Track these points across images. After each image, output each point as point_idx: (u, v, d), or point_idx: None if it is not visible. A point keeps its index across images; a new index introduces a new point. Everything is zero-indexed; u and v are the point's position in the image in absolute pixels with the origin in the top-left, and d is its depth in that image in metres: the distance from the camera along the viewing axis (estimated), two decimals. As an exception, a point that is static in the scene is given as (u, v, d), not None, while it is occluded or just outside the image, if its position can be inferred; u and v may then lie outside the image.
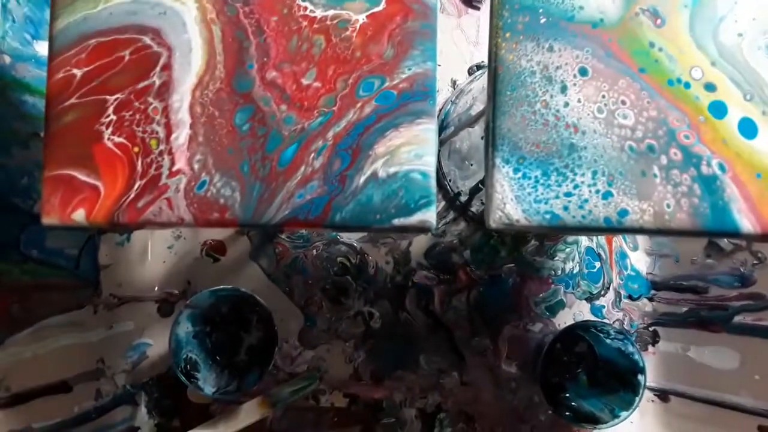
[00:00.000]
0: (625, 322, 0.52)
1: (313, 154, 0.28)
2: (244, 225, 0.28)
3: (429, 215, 0.28)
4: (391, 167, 0.28)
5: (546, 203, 0.28)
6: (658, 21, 0.29)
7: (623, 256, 0.52)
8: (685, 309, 0.49)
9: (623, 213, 0.28)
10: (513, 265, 0.52)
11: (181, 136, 0.28)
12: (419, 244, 0.52)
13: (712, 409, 0.46)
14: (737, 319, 0.44)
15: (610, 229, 0.28)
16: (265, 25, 0.29)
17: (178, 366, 0.44)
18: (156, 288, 0.51)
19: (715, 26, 0.29)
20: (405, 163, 0.28)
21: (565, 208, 0.28)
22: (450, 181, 0.52)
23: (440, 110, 0.53)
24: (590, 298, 0.52)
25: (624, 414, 0.43)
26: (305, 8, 0.29)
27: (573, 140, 0.28)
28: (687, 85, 0.28)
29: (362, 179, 0.28)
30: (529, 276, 0.52)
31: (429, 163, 0.29)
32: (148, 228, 0.31)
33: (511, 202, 0.28)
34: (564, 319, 0.52)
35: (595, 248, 0.52)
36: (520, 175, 0.28)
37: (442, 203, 0.52)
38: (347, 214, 0.28)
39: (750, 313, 0.43)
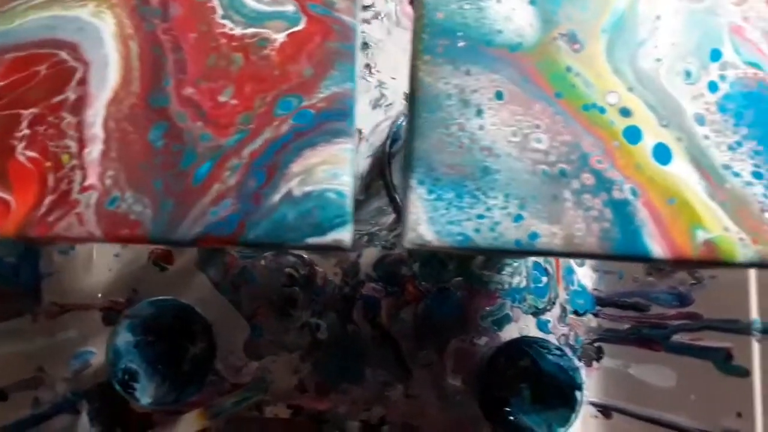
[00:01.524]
0: (571, 338, 0.52)
1: (228, 172, 0.28)
2: (155, 241, 0.28)
3: (344, 235, 0.28)
4: (306, 186, 0.28)
5: (458, 225, 0.28)
6: (576, 46, 0.29)
7: (570, 271, 0.52)
8: (627, 326, 0.49)
9: (534, 236, 0.28)
10: (461, 278, 0.52)
11: (94, 152, 0.28)
12: (368, 256, 0.52)
13: (652, 427, 0.46)
14: (675, 338, 0.44)
15: (521, 251, 0.29)
16: (183, 42, 0.29)
17: (115, 376, 0.44)
18: (100, 295, 0.51)
19: (633, 51, 0.29)
20: (321, 183, 0.28)
21: (477, 230, 0.28)
22: (399, 193, 0.52)
23: (393, 123, 0.53)
24: (536, 313, 0.52)
25: (560, 431, 0.44)
26: (224, 26, 0.29)
27: (487, 163, 0.29)
28: (602, 110, 0.29)
29: (277, 197, 0.28)
30: (477, 290, 0.52)
31: (345, 183, 0.29)
32: (59, 243, 0.31)
33: (424, 223, 0.28)
34: (510, 334, 0.52)
35: (542, 263, 0.52)
36: (434, 196, 0.29)
37: (392, 216, 0.52)
38: (261, 231, 0.28)
39: (687, 332, 0.43)
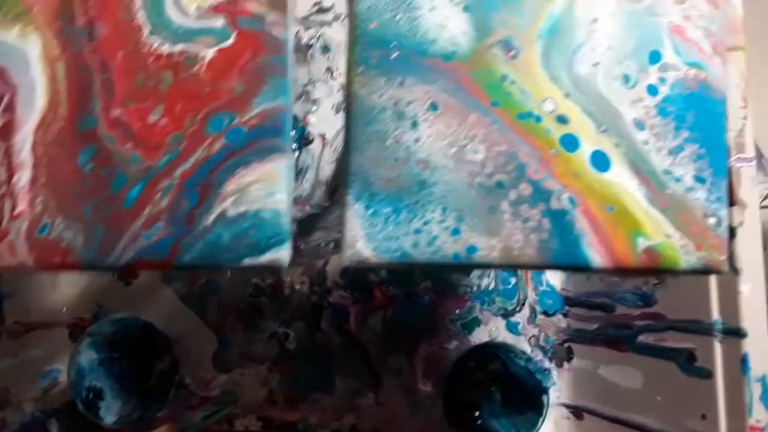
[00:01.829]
0: (541, 338, 0.52)
1: (159, 194, 0.28)
2: (87, 268, 0.28)
3: (281, 254, 0.28)
4: (241, 206, 0.28)
5: (396, 240, 0.28)
6: (512, 53, 0.28)
7: (538, 271, 0.52)
8: (595, 326, 0.49)
9: (472, 249, 0.28)
10: (429, 282, 0.52)
11: (23, 178, 0.28)
12: (335, 263, 0.52)
13: (621, 428, 0.46)
14: (641, 338, 0.44)
15: (460, 265, 0.28)
16: (110, 62, 0.28)
17: (78, 395, 0.43)
18: (64, 310, 0.51)
19: (569, 57, 0.29)
20: (255, 202, 0.28)
21: (415, 245, 0.28)
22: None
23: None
24: (506, 315, 0.52)
25: (528, 435, 0.43)
26: (152, 44, 0.28)
27: (423, 176, 0.28)
28: (538, 119, 0.28)
29: (211, 218, 0.28)
30: (445, 293, 0.52)
31: (281, 201, 0.28)
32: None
33: (362, 239, 0.28)
34: (480, 336, 0.52)
35: (510, 265, 0.52)
36: (371, 212, 0.28)
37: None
38: (196, 254, 0.28)
39: (651, 333, 0.43)
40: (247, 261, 0.28)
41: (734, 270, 0.37)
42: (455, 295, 0.52)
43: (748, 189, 0.37)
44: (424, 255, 0.28)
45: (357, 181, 0.28)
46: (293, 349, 0.51)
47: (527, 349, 0.52)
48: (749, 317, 0.37)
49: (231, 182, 0.28)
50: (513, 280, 0.52)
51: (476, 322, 0.52)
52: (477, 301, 0.52)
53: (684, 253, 0.28)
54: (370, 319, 0.52)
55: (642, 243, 0.28)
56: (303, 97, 0.53)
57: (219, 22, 0.28)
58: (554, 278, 0.52)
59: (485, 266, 0.28)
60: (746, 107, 0.38)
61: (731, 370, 0.37)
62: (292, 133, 0.52)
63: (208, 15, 0.28)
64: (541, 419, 0.44)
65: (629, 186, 0.28)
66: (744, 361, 0.37)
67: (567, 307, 0.52)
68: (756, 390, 0.36)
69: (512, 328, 0.52)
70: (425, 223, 0.28)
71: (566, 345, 0.51)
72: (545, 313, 0.52)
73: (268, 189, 0.28)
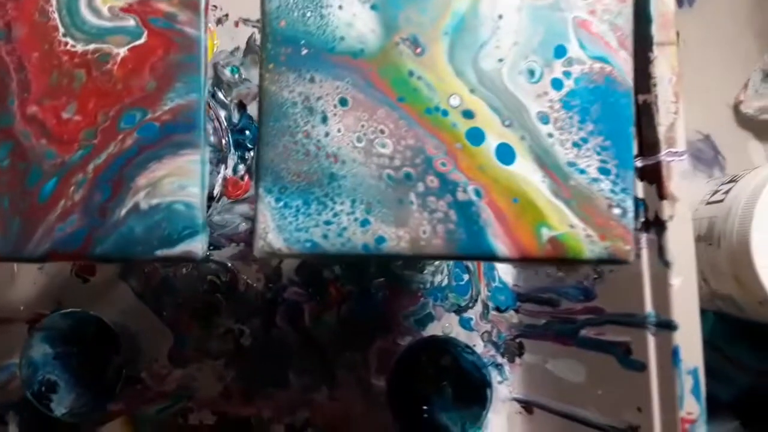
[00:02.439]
0: (494, 334, 0.52)
1: (73, 187, 0.29)
2: (5, 259, 0.28)
3: (194, 246, 0.29)
4: (153, 199, 0.29)
5: (306, 232, 0.29)
6: (419, 50, 0.29)
7: (491, 267, 0.52)
8: (543, 321, 0.49)
9: (380, 240, 0.29)
10: (383, 279, 0.52)
11: (-58, 173, 0.28)
12: (291, 260, 0.53)
13: (567, 422, 0.46)
14: (583, 332, 0.44)
15: (369, 255, 0.29)
16: (26, 62, 0.29)
17: (30, 388, 0.44)
18: (22, 308, 0.51)
19: (475, 52, 0.29)
20: (168, 195, 0.29)
21: (325, 236, 0.29)
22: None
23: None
24: (459, 311, 0.52)
25: (472, 430, 0.44)
26: (66, 43, 0.29)
27: (333, 170, 0.29)
28: (445, 113, 0.29)
29: (123, 211, 0.29)
30: (399, 290, 0.52)
31: (193, 194, 0.29)
32: None
33: (273, 231, 0.29)
34: (433, 332, 0.52)
35: (463, 261, 0.52)
36: (281, 204, 0.29)
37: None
38: (109, 246, 0.29)
39: (592, 327, 0.44)
40: (160, 253, 0.29)
41: (665, 263, 0.38)
42: (409, 291, 0.52)
43: (679, 183, 0.38)
44: (334, 246, 0.29)
45: (268, 175, 0.29)
46: (248, 345, 0.52)
47: (480, 344, 0.52)
48: (680, 310, 0.37)
49: (143, 176, 0.29)
50: (466, 277, 0.53)
51: (429, 318, 0.52)
52: (430, 298, 0.52)
53: (588, 243, 0.29)
54: (324, 316, 0.52)
55: (546, 233, 0.28)
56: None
57: (131, 22, 0.29)
58: (507, 274, 0.53)
59: (393, 257, 0.29)
60: (678, 102, 0.38)
61: (664, 363, 0.38)
62: (247, 132, 0.52)
63: (121, 15, 0.29)
64: (485, 412, 0.44)
65: (534, 178, 0.29)
66: (675, 353, 0.37)
67: (518, 303, 0.52)
68: (687, 382, 0.37)
69: (465, 323, 0.52)
70: (335, 215, 0.29)
71: (518, 340, 0.52)
72: (497, 308, 0.52)
73: (180, 183, 0.29)
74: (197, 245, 0.29)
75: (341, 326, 0.52)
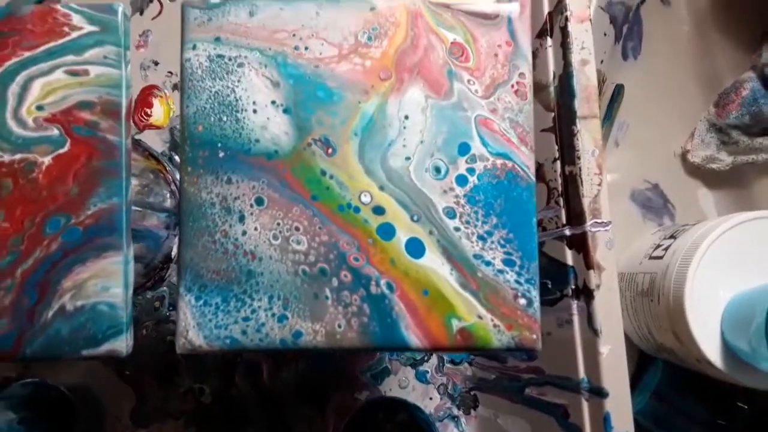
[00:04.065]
0: (449, 386, 0.53)
1: (2, 292, 0.30)
2: (-64, 363, 0.30)
3: (118, 344, 0.30)
4: (78, 301, 0.30)
5: (226, 329, 0.30)
6: (330, 150, 0.30)
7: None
8: (493, 376, 0.50)
9: (298, 334, 0.30)
10: (339, 335, 0.53)
11: None
12: (249, 318, 0.54)
13: (517, 475, 0.47)
14: (527, 391, 0.45)
15: (287, 349, 0.30)
16: (-44, 172, 0.30)
17: (-9, 458, 0.45)
18: (-13, 374, 0.53)
19: (383, 152, 0.30)
20: (92, 296, 0.30)
21: (244, 333, 0.30)
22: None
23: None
24: (414, 364, 0.53)
25: (422, 487, 0.45)
26: (-6, 154, 0.30)
27: (251, 267, 0.30)
28: (356, 210, 0.30)
29: (50, 314, 0.30)
30: (355, 346, 0.53)
31: (116, 295, 0.30)
32: None
33: (193, 329, 0.30)
34: (390, 386, 0.53)
35: (417, 316, 0.53)
36: (201, 302, 0.30)
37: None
38: (37, 347, 0.30)
39: (535, 386, 0.44)
40: (86, 352, 0.30)
41: (594, 331, 0.39)
42: (365, 346, 0.53)
43: (605, 252, 0.39)
44: (252, 342, 0.30)
45: (188, 274, 0.30)
46: (208, 403, 0.53)
47: (437, 396, 0.53)
48: (609, 377, 0.38)
49: (68, 279, 0.30)
50: (420, 330, 0.53)
51: (386, 372, 0.53)
52: (386, 352, 0.53)
53: (496, 333, 0.30)
54: (282, 372, 0.53)
55: (456, 324, 0.30)
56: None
57: (55, 131, 0.30)
58: (460, 327, 0.54)
59: (310, 351, 0.30)
60: (601, 173, 0.40)
61: (597, 428, 0.39)
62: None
63: (45, 125, 0.30)
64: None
65: (442, 271, 0.30)
66: (606, 419, 0.38)
67: (471, 356, 0.53)
68: (619, 448, 0.38)
69: (421, 377, 0.53)
70: (253, 312, 0.30)
71: (472, 393, 0.53)
72: (452, 361, 0.53)
73: (104, 284, 0.30)
74: (121, 344, 0.30)
75: (299, 382, 0.53)
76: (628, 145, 0.56)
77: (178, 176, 0.54)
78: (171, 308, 0.53)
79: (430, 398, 0.53)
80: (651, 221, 0.56)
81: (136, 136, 0.56)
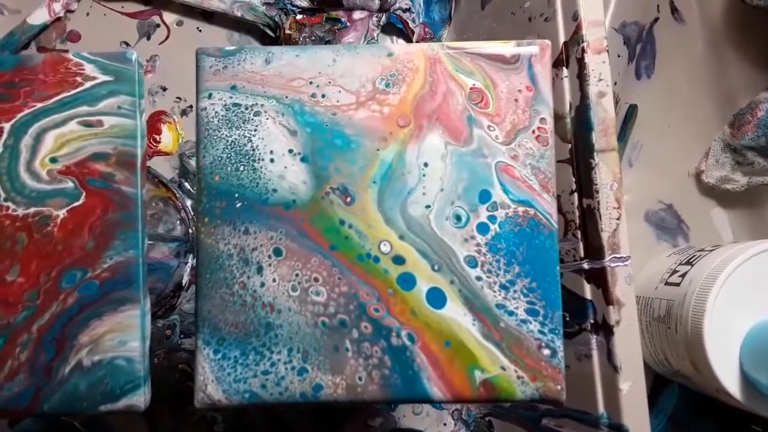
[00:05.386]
0: (463, 412, 0.53)
1: (19, 348, 0.29)
2: (-47, 421, 0.29)
3: (135, 400, 0.30)
4: (95, 356, 0.30)
5: (245, 382, 0.29)
6: (348, 199, 0.30)
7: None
8: (508, 404, 0.50)
9: (318, 388, 0.29)
10: (352, 362, 0.53)
11: None
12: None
13: (534, 504, 0.47)
14: (544, 421, 0.45)
15: (307, 403, 0.30)
16: (-31, 226, 0.30)
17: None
18: (-2, 407, 0.52)
19: (403, 200, 0.30)
20: (109, 351, 0.30)
21: (263, 386, 0.29)
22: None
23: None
24: (428, 391, 0.53)
25: None
26: (7, 207, 0.30)
27: (269, 319, 0.30)
28: (376, 260, 0.30)
29: (67, 369, 0.29)
30: (368, 372, 0.53)
31: (134, 349, 0.30)
32: None
33: (212, 383, 0.30)
34: (404, 412, 0.53)
35: (431, 341, 0.53)
36: (220, 356, 0.30)
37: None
38: (55, 403, 0.29)
39: (552, 418, 0.44)
40: (103, 408, 0.29)
41: (614, 367, 0.38)
42: (378, 372, 0.53)
43: (624, 288, 0.38)
44: (272, 396, 0.30)
45: (206, 327, 0.30)
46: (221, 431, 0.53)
47: (450, 422, 0.53)
48: (629, 414, 0.38)
49: (85, 334, 0.30)
50: (434, 356, 0.53)
51: (400, 399, 0.53)
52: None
53: (520, 385, 0.29)
54: (296, 399, 0.53)
55: (479, 376, 0.29)
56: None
57: (69, 184, 0.30)
58: (474, 353, 0.53)
59: (331, 404, 0.30)
60: (620, 207, 0.39)
61: (618, 463, 0.38)
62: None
63: (59, 178, 0.30)
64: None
65: (464, 321, 0.29)
66: (627, 455, 0.37)
67: (486, 382, 0.53)
68: (641, 483, 0.37)
69: (435, 403, 0.53)
70: (272, 365, 0.29)
71: (487, 419, 0.53)
72: (466, 387, 0.53)
73: (120, 338, 0.30)
74: (139, 399, 0.30)
75: (312, 410, 0.53)
76: (642, 165, 0.55)
77: (188, 203, 0.54)
78: (182, 336, 0.53)
79: (444, 424, 0.53)
80: (665, 242, 0.55)
81: (145, 162, 0.55)
